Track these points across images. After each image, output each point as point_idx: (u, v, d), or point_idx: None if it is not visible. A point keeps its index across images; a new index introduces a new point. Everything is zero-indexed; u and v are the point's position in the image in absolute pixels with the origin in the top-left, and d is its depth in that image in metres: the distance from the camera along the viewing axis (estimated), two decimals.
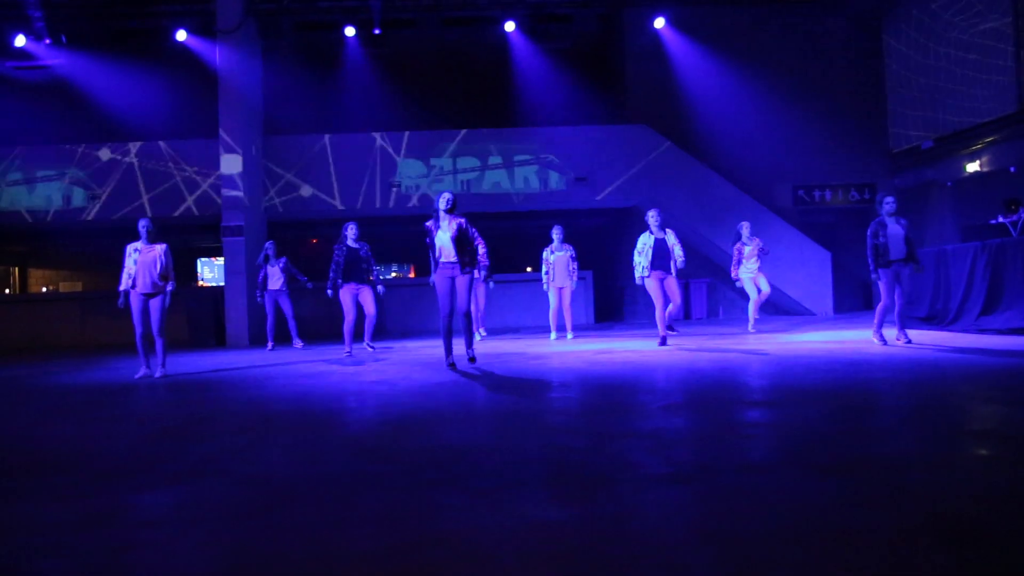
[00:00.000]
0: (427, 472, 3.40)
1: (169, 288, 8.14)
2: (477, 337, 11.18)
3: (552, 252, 11.23)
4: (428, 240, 7.67)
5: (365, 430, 4.48)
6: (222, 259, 14.07)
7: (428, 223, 7.67)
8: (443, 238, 7.53)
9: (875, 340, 8.39)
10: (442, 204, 7.58)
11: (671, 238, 9.42)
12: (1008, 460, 3.30)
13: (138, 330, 8.12)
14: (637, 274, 9.41)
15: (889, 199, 8.50)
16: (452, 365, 7.58)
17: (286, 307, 11.80)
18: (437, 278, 7.61)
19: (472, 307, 8.94)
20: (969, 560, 2.13)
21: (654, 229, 9.40)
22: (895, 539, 2.31)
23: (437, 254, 7.58)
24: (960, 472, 3.08)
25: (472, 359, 7.74)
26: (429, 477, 3.30)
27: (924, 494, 2.77)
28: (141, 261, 8.04)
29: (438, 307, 7.73)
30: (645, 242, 9.38)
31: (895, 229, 8.33)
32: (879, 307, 8.51)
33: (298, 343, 11.91)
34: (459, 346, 8.01)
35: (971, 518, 2.49)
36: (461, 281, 7.54)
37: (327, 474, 3.49)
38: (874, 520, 2.50)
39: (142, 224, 8.16)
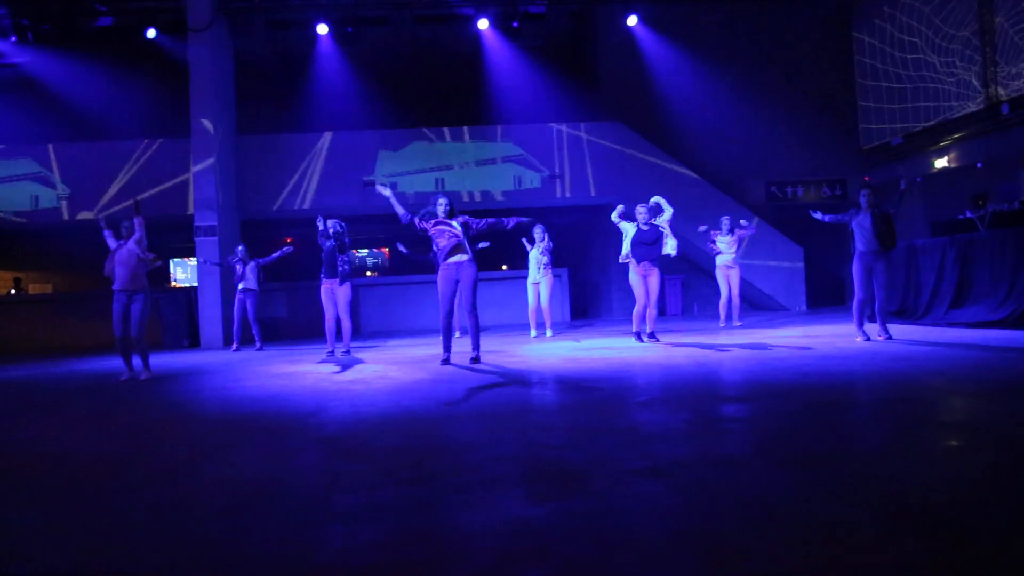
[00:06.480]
0: (404, 471, 3.39)
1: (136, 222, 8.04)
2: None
3: (534, 249, 11.27)
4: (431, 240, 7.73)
5: (341, 429, 4.46)
6: (195, 259, 13.91)
7: (425, 225, 7.66)
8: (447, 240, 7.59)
9: (858, 339, 8.08)
10: (440, 211, 7.66)
11: (664, 227, 9.41)
12: (976, 451, 3.36)
13: (118, 333, 7.87)
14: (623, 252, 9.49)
15: (864, 191, 8.28)
16: (446, 361, 7.70)
17: (252, 309, 11.69)
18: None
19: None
20: (938, 548, 2.16)
21: (640, 223, 9.35)
22: (866, 529, 2.34)
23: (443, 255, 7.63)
24: (930, 464, 3.12)
25: (475, 359, 7.68)
26: (406, 476, 3.29)
27: (895, 485, 2.81)
28: (117, 259, 7.89)
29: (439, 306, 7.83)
30: (627, 229, 9.38)
31: (866, 220, 8.11)
32: (854, 303, 8.26)
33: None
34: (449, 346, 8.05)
35: (940, 508, 2.53)
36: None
37: (303, 473, 3.46)
38: (845, 511, 2.54)
39: (123, 224, 8.10)
